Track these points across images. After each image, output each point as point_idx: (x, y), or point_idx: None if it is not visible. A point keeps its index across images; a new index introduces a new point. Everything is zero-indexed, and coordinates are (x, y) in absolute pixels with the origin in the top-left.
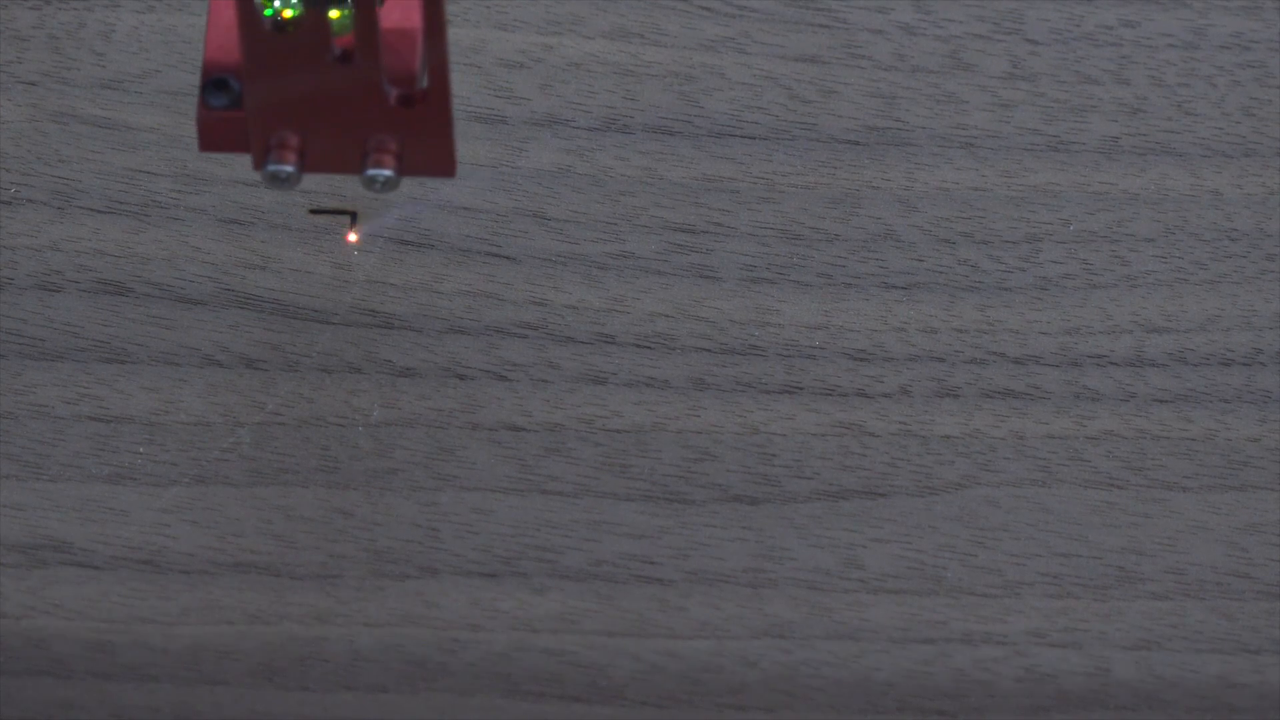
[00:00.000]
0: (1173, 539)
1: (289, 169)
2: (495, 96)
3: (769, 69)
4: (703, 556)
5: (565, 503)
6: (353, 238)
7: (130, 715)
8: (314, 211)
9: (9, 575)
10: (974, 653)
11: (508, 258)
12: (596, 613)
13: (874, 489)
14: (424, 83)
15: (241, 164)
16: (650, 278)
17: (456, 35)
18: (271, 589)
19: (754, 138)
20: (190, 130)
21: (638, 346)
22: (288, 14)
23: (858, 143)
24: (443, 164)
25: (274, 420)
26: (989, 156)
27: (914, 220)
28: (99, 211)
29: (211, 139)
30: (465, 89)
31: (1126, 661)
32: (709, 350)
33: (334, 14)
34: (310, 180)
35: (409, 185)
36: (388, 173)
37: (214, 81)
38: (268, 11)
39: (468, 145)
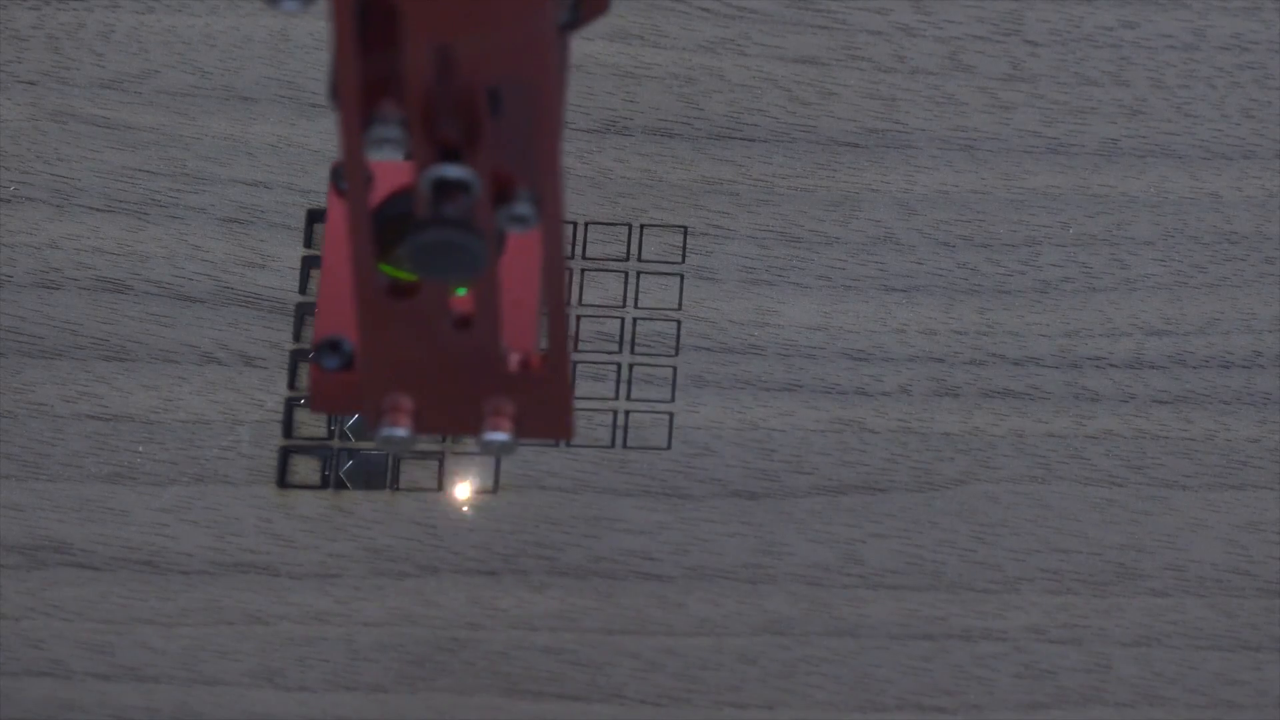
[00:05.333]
0: (1172, 536)
1: (403, 433)
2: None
3: (768, 70)
4: (702, 552)
5: (564, 499)
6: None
7: (130, 715)
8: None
9: (9, 575)
10: (973, 649)
11: None
12: (596, 610)
13: (873, 485)
14: (542, 346)
15: (241, 163)
16: (650, 278)
17: None
18: (270, 589)
19: (753, 140)
20: (189, 130)
21: (638, 346)
22: (406, 277)
23: (857, 145)
24: (559, 427)
25: (273, 419)
26: (988, 159)
27: (913, 223)
28: (98, 210)
29: (325, 400)
30: None
31: (1126, 658)
32: (709, 350)
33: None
34: (309, 179)
35: None
36: (504, 437)
37: (327, 342)
38: (384, 269)
39: None
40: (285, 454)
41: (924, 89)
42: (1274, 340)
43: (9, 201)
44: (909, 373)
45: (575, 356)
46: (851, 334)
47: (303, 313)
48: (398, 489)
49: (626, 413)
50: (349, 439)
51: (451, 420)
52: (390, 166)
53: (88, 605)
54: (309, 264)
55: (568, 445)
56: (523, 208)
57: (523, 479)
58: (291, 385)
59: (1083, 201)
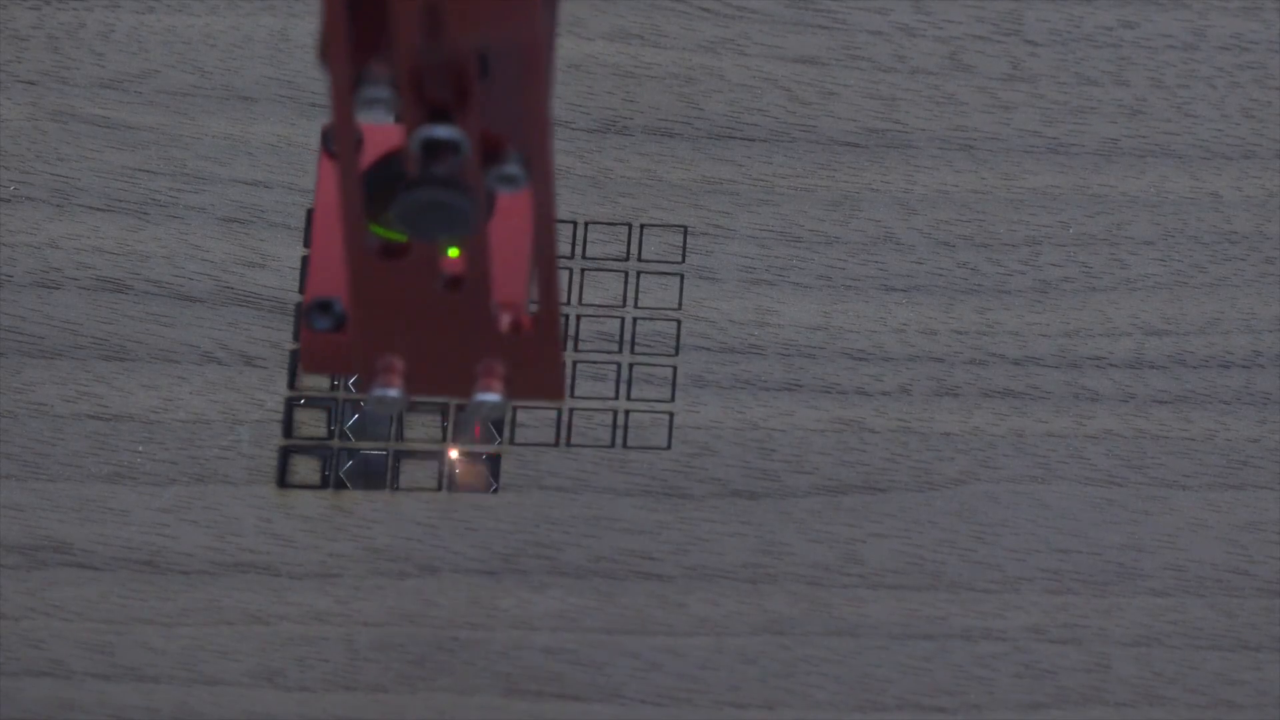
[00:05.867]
0: (1172, 536)
1: (395, 394)
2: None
3: (768, 70)
4: (702, 552)
5: (564, 499)
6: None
7: (130, 715)
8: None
9: (9, 575)
10: (973, 648)
11: None
12: (596, 610)
13: (873, 484)
14: (533, 308)
15: (240, 163)
16: (650, 278)
17: None
18: (270, 588)
19: (753, 140)
20: (189, 130)
21: (638, 346)
22: (396, 238)
23: (857, 145)
24: (551, 388)
25: (273, 419)
26: (988, 159)
27: (913, 223)
28: (98, 210)
29: (315, 361)
30: None
31: (1126, 658)
32: (709, 350)
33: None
34: (309, 179)
35: None
36: (495, 398)
37: (318, 304)
38: (375, 230)
39: None
40: (285, 454)
41: (924, 89)
42: (1274, 340)
43: (9, 201)
44: (909, 373)
45: (575, 356)
46: (851, 334)
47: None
48: (398, 489)
49: (626, 413)
50: (349, 439)
51: (443, 381)
52: (379, 129)
53: (88, 605)
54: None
55: (568, 446)
56: (512, 168)
57: (523, 479)
58: (291, 385)
59: (1083, 201)
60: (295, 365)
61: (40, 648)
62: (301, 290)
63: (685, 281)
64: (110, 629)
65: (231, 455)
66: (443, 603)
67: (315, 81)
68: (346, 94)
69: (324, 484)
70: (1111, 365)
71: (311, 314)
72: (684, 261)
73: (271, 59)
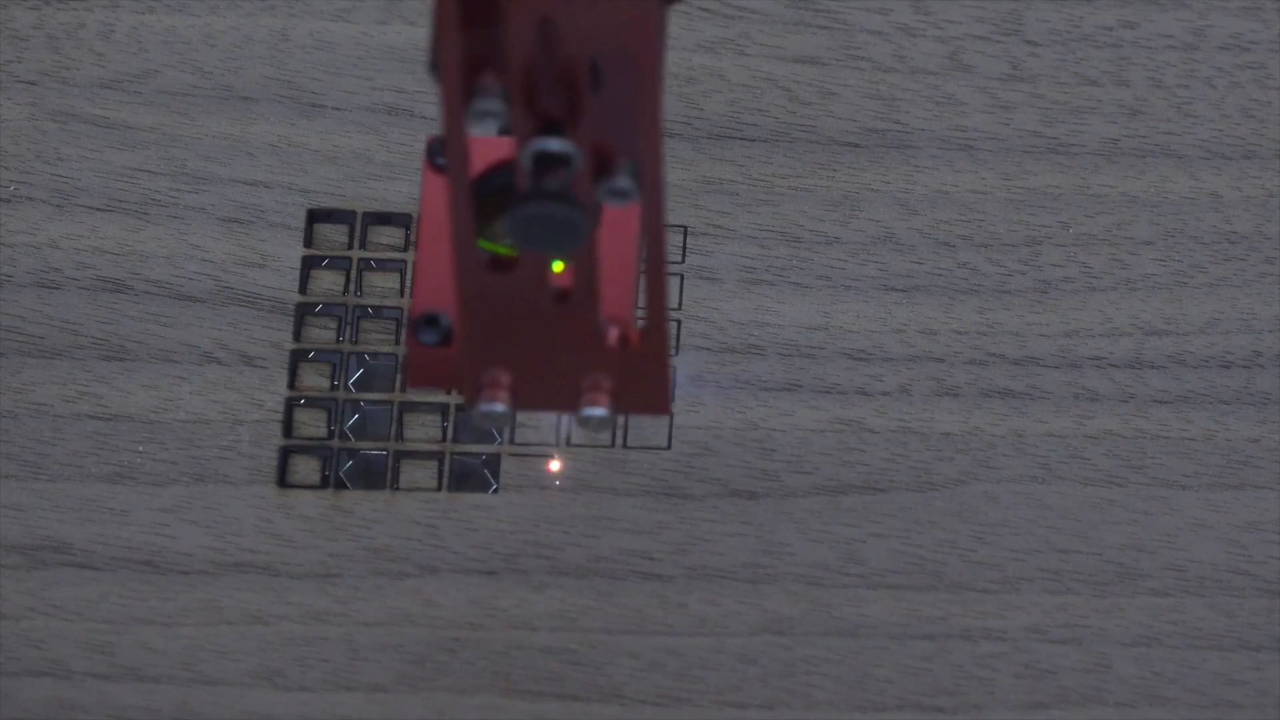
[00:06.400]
0: (1172, 536)
1: (501, 408)
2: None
3: (768, 70)
4: (702, 552)
5: (564, 499)
6: (555, 466)
7: (130, 715)
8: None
9: (9, 575)
10: (973, 649)
11: None
12: (596, 610)
13: (873, 484)
14: (641, 323)
15: (241, 163)
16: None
17: None
18: (270, 589)
19: (753, 140)
20: (189, 130)
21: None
22: (503, 251)
23: (857, 145)
24: (657, 402)
25: (273, 419)
26: (988, 159)
27: (913, 223)
28: (98, 210)
29: (422, 375)
30: None
31: (1126, 658)
32: (709, 350)
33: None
34: (309, 179)
35: None
36: (602, 412)
37: (425, 317)
38: (482, 243)
39: None
40: (285, 454)
41: (924, 89)
42: (1274, 340)
43: (9, 201)
44: (909, 373)
45: None
46: (851, 334)
47: (303, 313)
48: (398, 489)
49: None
50: (349, 439)
51: (549, 395)
52: (481, 142)
53: (88, 605)
54: (309, 264)
55: (568, 445)
56: (623, 181)
57: (523, 479)
58: (291, 385)
59: (1083, 201)
60: (294, 365)
61: (40, 648)
62: (302, 291)
63: (685, 281)
64: (110, 629)
65: (231, 455)
66: (443, 603)
67: (316, 81)
68: (459, 107)
69: (324, 484)
70: (1111, 365)
71: (418, 328)
72: (684, 261)
73: (271, 59)
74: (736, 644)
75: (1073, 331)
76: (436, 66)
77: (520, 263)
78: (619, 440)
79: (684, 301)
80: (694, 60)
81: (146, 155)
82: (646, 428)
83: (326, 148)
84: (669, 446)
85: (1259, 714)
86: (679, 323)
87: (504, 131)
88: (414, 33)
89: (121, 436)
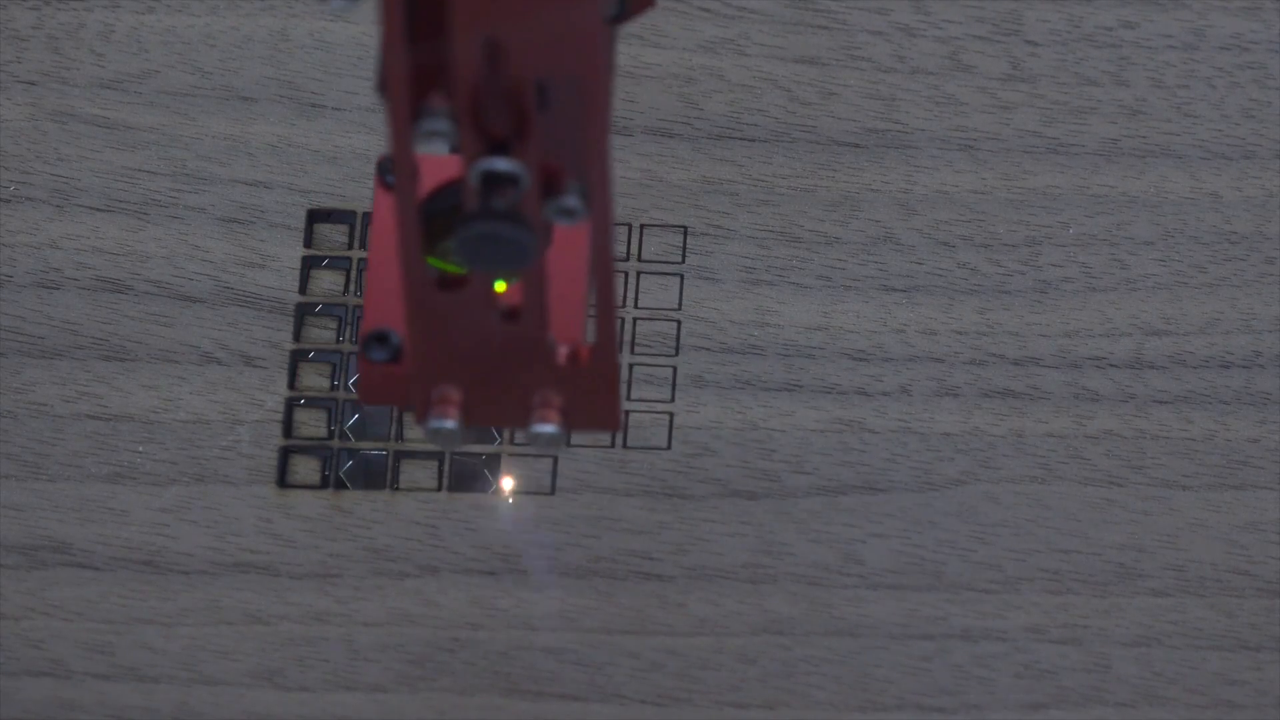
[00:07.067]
0: (1173, 536)
1: (451, 425)
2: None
3: (768, 70)
4: (702, 552)
5: (564, 499)
6: (507, 486)
7: (130, 715)
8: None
9: (9, 575)
10: (973, 649)
11: None
12: (596, 610)
13: (873, 484)
14: (589, 339)
15: (241, 163)
16: (650, 278)
17: None
18: (270, 588)
19: (753, 140)
20: (189, 130)
21: (638, 346)
22: (452, 270)
23: (857, 145)
24: (607, 419)
25: (273, 419)
26: (988, 159)
27: (913, 223)
28: (98, 210)
29: (373, 392)
30: None
31: (1126, 658)
32: (709, 350)
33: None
34: (309, 179)
35: None
36: (552, 428)
37: (375, 335)
38: (431, 261)
39: None
40: (285, 454)
41: (924, 89)
42: (1274, 340)
43: (9, 201)
44: (909, 373)
45: None
46: (851, 334)
47: (303, 313)
48: (398, 489)
49: (627, 413)
50: (349, 439)
51: (499, 412)
52: (433, 160)
53: (88, 605)
54: (309, 264)
55: (568, 445)
56: (571, 200)
57: (522, 479)
58: (291, 385)
59: (1083, 201)
60: (294, 365)
61: (40, 648)
62: (302, 291)
63: (685, 282)
64: (110, 629)
65: (231, 455)
66: (443, 603)
67: (316, 81)
68: (406, 127)
69: (324, 484)
70: (1111, 365)
71: (368, 345)
72: (684, 262)
73: (271, 59)
74: (736, 644)
75: (1073, 331)
76: (384, 87)
77: (469, 281)
78: (619, 440)
79: (684, 302)
80: (694, 60)
81: (146, 155)
82: (646, 428)
83: (326, 148)
84: (669, 446)
85: (1259, 714)
86: (679, 323)
87: (455, 150)
88: None
89: (121, 436)
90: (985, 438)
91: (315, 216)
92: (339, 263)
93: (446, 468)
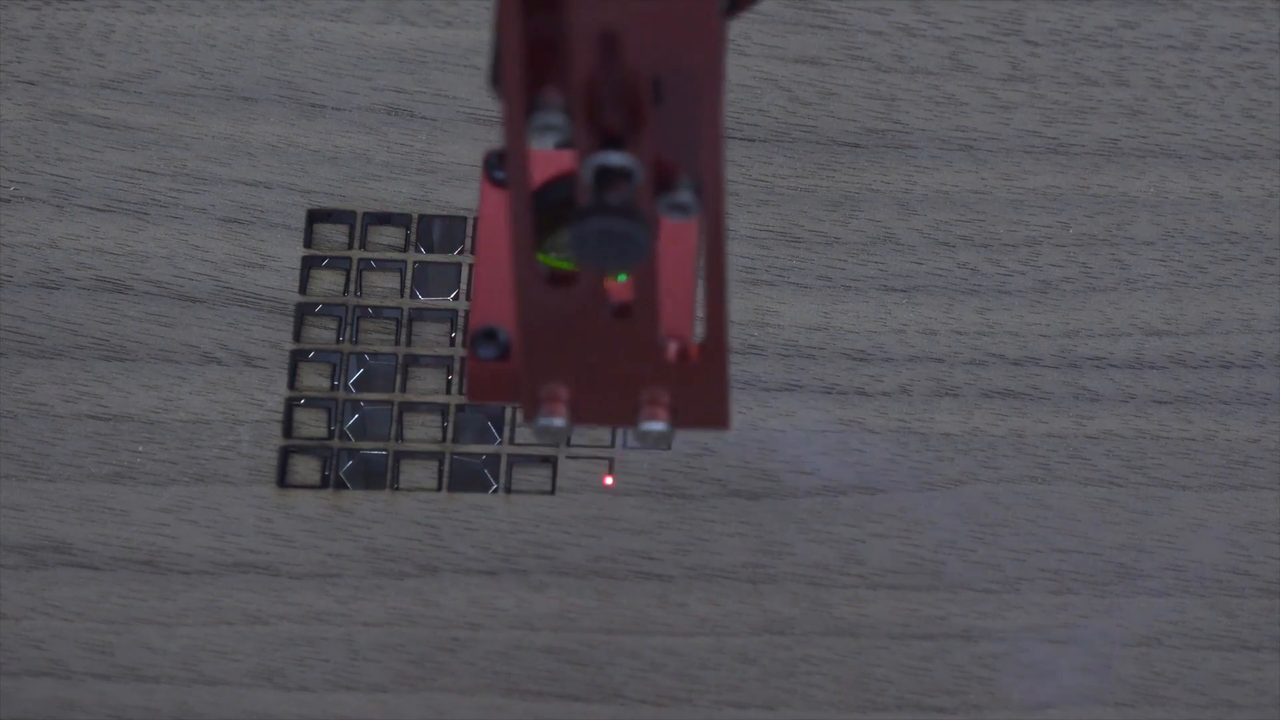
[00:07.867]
0: (1173, 536)
1: (560, 423)
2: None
3: (768, 70)
4: (702, 552)
5: (564, 499)
6: (609, 481)
7: (130, 715)
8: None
9: (9, 575)
10: (973, 648)
11: None
12: (596, 610)
13: (873, 484)
14: (700, 337)
15: (241, 163)
16: None
17: (457, 37)
18: (270, 588)
19: (753, 140)
20: (189, 130)
21: None
22: (562, 265)
23: (857, 145)
24: (716, 416)
25: (273, 419)
26: (988, 159)
27: (913, 223)
28: (98, 210)
29: (481, 389)
30: (465, 90)
31: (1126, 658)
32: None
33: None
34: (309, 179)
35: None
36: (661, 426)
37: (483, 332)
38: (540, 257)
39: (469, 147)
40: (285, 454)
41: (924, 89)
42: (1274, 340)
43: (9, 201)
44: (909, 373)
45: None
46: (851, 334)
47: (303, 313)
48: (398, 489)
49: None
50: (349, 439)
51: (608, 410)
52: (538, 155)
53: (88, 605)
54: (309, 264)
55: (568, 445)
56: (684, 196)
57: (524, 481)
58: (291, 385)
59: (1083, 201)
60: (294, 365)
61: (40, 648)
62: (302, 291)
63: None
64: (110, 629)
65: (231, 455)
66: (443, 603)
67: (316, 81)
68: (520, 121)
69: (324, 484)
70: (1111, 365)
71: (477, 342)
72: None
73: (271, 59)
74: (736, 644)
75: (1073, 331)
76: (498, 80)
77: (579, 277)
78: (619, 441)
79: None
80: None
81: (146, 155)
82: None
83: (326, 148)
84: (669, 446)
85: (1259, 714)
86: None
87: (562, 145)
88: (414, 33)
89: (121, 436)
90: (985, 438)
91: (315, 216)
92: (339, 263)
93: (447, 468)
